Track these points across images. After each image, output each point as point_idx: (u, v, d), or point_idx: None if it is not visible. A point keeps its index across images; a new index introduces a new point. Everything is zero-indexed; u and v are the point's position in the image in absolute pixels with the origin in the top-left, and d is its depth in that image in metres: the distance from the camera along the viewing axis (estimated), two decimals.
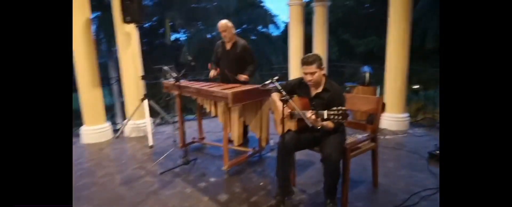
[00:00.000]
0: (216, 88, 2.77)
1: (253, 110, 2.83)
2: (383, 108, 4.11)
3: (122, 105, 5.00)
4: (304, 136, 2.15)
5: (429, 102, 6.74)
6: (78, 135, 3.92)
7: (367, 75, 4.51)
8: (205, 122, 4.19)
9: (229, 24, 3.19)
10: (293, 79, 2.35)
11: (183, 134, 3.28)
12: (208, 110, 2.91)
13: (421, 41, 10.53)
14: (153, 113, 4.02)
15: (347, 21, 13.79)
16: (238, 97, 2.57)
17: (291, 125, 2.18)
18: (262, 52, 11.57)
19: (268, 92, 2.48)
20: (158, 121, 4.70)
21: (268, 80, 2.16)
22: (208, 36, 12.26)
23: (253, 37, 12.69)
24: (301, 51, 5.35)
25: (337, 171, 2.00)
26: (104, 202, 2.40)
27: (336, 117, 1.81)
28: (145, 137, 3.85)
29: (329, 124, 2.01)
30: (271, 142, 3.13)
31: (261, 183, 2.61)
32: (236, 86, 2.83)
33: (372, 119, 2.44)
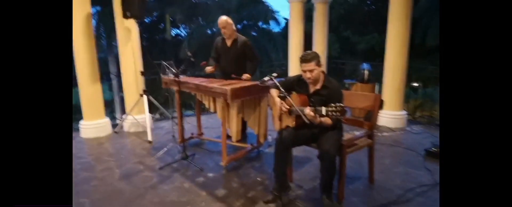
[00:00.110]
0: (215, 84, 2.79)
1: (252, 106, 2.84)
2: (381, 105, 4.12)
3: (122, 100, 5.01)
4: (302, 132, 2.17)
5: (428, 100, 6.75)
6: (77, 129, 3.95)
7: (366, 72, 4.53)
8: (204, 118, 4.21)
9: (229, 21, 3.19)
10: (292, 76, 2.36)
11: (182, 129, 3.30)
12: (207, 106, 2.93)
13: (422, 39, 10.52)
14: (152, 108, 4.04)
15: (348, 18, 13.75)
16: (237, 93, 2.58)
17: (289, 121, 2.20)
18: (262, 49, 11.55)
19: (266, 89, 2.49)
20: (157, 116, 4.73)
21: (267, 76, 2.18)
22: (209, 32, 12.23)
23: (253, 34, 12.65)
24: (301, 48, 5.34)
25: (333, 167, 2.03)
26: (103, 196, 2.43)
27: (334, 113, 1.84)
28: (144, 132, 3.87)
29: (327, 120, 2.03)
30: (269, 138, 3.15)
31: (259, 179, 2.64)
32: (235, 83, 2.85)
33: (370, 116, 2.46)
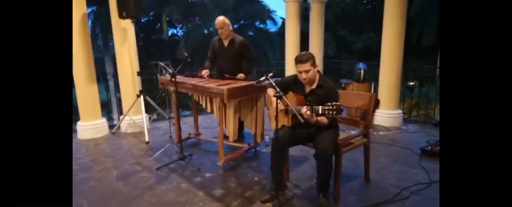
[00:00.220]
0: (211, 84, 2.79)
1: (249, 106, 2.85)
2: (377, 104, 4.15)
3: (119, 100, 4.99)
4: (298, 131, 2.19)
5: (424, 99, 6.79)
6: (74, 130, 3.94)
7: (362, 72, 4.55)
8: (201, 118, 4.21)
9: (227, 21, 3.20)
10: (288, 76, 2.38)
11: (179, 129, 3.30)
12: (204, 106, 2.94)
13: (418, 38, 10.58)
14: (149, 109, 4.04)
15: (345, 17, 13.80)
16: (233, 93, 2.59)
17: (285, 121, 2.22)
18: (260, 49, 11.56)
19: (263, 89, 2.51)
20: (154, 116, 4.72)
21: (263, 76, 2.19)
22: (205, 31, 12.22)
23: (250, 33, 12.66)
24: (298, 48, 5.36)
25: (330, 166, 2.05)
26: (101, 197, 2.43)
27: (330, 112, 1.86)
28: (141, 133, 3.87)
29: (323, 119, 2.05)
30: (266, 138, 3.17)
31: (256, 178, 2.65)
32: (232, 83, 2.86)
33: (366, 115, 2.48)
